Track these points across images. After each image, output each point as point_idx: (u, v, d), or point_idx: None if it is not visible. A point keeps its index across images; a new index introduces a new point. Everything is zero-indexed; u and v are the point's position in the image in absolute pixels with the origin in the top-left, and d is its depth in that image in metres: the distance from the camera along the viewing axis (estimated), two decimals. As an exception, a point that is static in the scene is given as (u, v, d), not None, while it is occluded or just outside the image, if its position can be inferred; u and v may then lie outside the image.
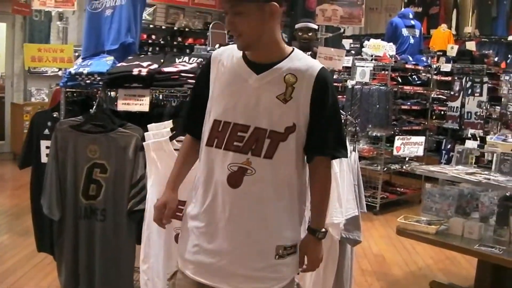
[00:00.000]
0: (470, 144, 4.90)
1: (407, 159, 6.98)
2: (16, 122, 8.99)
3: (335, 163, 3.06)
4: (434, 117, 8.44)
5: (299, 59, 2.16)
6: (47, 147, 3.53)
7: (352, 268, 3.58)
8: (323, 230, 2.27)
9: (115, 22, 3.92)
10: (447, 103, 8.40)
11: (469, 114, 8.20)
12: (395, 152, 6.51)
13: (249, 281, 2.18)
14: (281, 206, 2.18)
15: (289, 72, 2.11)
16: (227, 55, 2.20)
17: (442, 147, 8.32)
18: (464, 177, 4.22)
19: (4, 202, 6.90)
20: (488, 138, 4.98)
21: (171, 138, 3.05)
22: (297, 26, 4.88)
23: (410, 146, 6.42)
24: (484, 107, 7.58)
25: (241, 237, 2.17)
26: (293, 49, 2.21)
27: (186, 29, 10.90)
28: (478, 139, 4.95)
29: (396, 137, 6.51)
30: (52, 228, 3.40)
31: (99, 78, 3.31)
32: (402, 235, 4.47)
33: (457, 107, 8.27)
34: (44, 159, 3.56)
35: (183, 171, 2.40)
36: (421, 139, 6.63)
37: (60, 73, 9.14)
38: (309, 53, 5.62)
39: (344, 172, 3.12)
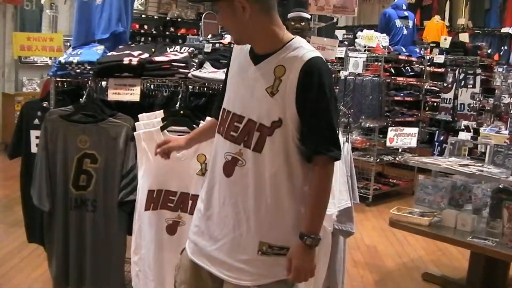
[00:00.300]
0: (464, 135, 4.89)
1: (400, 150, 6.96)
2: (7, 112, 8.91)
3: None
4: (427, 109, 8.43)
5: (293, 49, 2.05)
6: (37, 137, 3.48)
7: (345, 260, 3.57)
8: (313, 236, 2.07)
9: (106, 11, 3.88)
10: (440, 94, 8.40)
11: (462, 105, 8.20)
12: (388, 143, 6.49)
13: (232, 271, 2.17)
14: (265, 203, 2.10)
15: (279, 64, 2.04)
16: (242, 45, 2.20)
17: (435, 139, 8.32)
18: (457, 168, 4.21)
19: (-6, 192, 6.85)
20: (481, 130, 4.96)
21: (162, 128, 3.02)
22: (289, 15, 4.83)
23: (403, 137, 6.40)
24: (477, 99, 7.56)
25: (229, 226, 2.17)
26: (294, 38, 2.11)
27: (179, 19, 10.86)
28: (472, 130, 4.94)
29: (389, 128, 6.49)
30: (42, 219, 3.36)
31: (89, 67, 3.27)
32: (395, 227, 4.46)
33: (450, 98, 8.27)
34: (34, 149, 3.52)
35: (199, 137, 2.59)
36: (414, 130, 6.62)
37: (51, 61, 9.11)
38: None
39: (337, 164, 3.09)
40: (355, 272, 4.85)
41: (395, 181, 7.76)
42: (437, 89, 8.63)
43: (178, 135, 2.95)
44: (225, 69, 3.09)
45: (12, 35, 3.48)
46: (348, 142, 3.39)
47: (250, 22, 2.04)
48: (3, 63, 9.24)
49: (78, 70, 3.27)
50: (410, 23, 8.40)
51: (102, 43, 3.73)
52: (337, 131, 2.12)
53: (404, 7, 8.47)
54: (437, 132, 8.40)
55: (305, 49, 2.05)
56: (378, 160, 7.16)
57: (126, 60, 3.17)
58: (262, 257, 2.14)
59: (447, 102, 8.30)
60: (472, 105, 7.75)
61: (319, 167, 2.07)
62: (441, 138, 8.24)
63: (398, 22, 8.24)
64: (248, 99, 2.10)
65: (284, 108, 2.02)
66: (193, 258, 2.29)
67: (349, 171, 3.31)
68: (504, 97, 6.84)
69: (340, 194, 3.12)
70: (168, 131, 3.02)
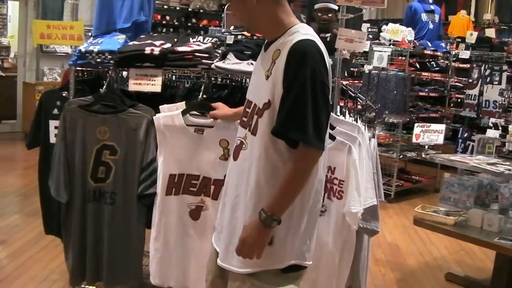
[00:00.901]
0: (492, 133, 4.75)
1: (426, 147, 6.81)
2: (27, 101, 8.92)
3: (354, 150, 2.94)
4: (451, 105, 8.26)
5: (291, 34, 2.04)
6: (56, 127, 3.42)
7: (369, 259, 3.46)
8: (270, 214, 1.98)
9: (128, 0, 3.80)
10: (465, 90, 8.23)
11: (487, 102, 8.02)
12: (414, 140, 6.34)
13: (225, 257, 2.18)
14: (251, 186, 2.08)
15: (277, 48, 2.05)
16: None
17: (459, 136, 8.15)
18: (485, 167, 4.08)
19: (14, 182, 6.84)
20: (510, 127, 4.82)
21: (183, 113, 2.95)
22: (316, 6, 4.72)
23: (430, 134, 6.26)
24: (506, 96, 7.38)
25: (228, 210, 2.19)
26: (297, 24, 2.09)
27: (201, 10, 10.78)
28: (500, 128, 4.79)
29: (416, 125, 6.34)
30: (59, 210, 3.30)
31: (110, 56, 3.19)
32: (419, 225, 4.35)
33: (475, 95, 8.09)
34: (52, 139, 3.46)
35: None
36: (442, 127, 6.46)
37: (71, 50, 9.09)
38: (329, 34, 5.46)
39: (363, 160, 2.99)
40: (377, 270, 4.75)
41: (417, 177, 7.64)
42: (461, 85, 8.45)
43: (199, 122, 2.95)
44: (249, 61, 3.04)
45: (32, 22, 3.41)
46: (374, 137, 3.29)
47: (258, 9, 2.07)
48: (24, 52, 9.24)
49: (98, 60, 3.20)
50: (436, 17, 8.23)
51: (123, 33, 3.65)
52: (308, 117, 1.94)
53: (431, 1, 8.31)
54: (460, 129, 8.24)
55: (300, 33, 2.03)
56: (401, 156, 7.04)
57: (148, 50, 3.09)
58: None
59: (472, 98, 8.12)
60: (499, 102, 7.55)
61: (298, 152, 1.99)
62: (465, 135, 8.07)
63: (424, 16, 8.08)
64: (255, 85, 2.15)
65: (273, 90, 2.00)
66: (214, 246, 2.32)
67: (375, 168, 3.20)
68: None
69: (366, 192, 3.01)
70: (191, 115, 2.97)
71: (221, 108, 2.81)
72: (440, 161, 4.50)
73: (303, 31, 2.04)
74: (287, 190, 2.01)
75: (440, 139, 6.39)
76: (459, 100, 8.51)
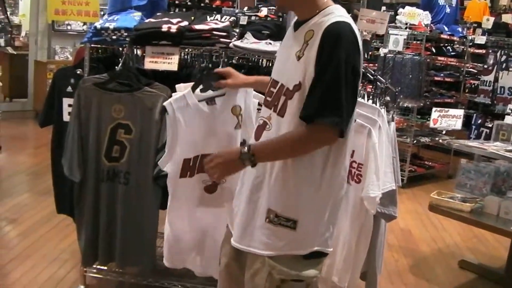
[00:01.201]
0: (510, 119, 4.67)
1: (443, 132, 6.71)
2: (39, 80, 8.87)
3: (374, 133, 2.88)
4: (466, 91, 8.17)
5: (325, 15, 1.95)
6: (70, 105, 3.38)
7: (384, 245, 3.42)
8: (251, 154, 1.97)
9: (144, -24, 3.74)
10: (480, 76, 8.12)
11: (502, 89, 7.91)
12: (431, 125, 6.25)
13: (247, 237, 2.10)
14: (278, 168, 2.01)
15: (310, 28, 1.96)
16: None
17: (472, 122, 8.06)
18: (504, 154, 4.00)
19: (25, 160, 6.81)
20: (529, 114, 4.74)
21: (193, 89, 2.82)
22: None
23: (447, 119, 6.17)
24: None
25: (249, 187, 2.12)
26: (332, 5, 2.01)
27: (216, -9, 10.64)
28: (519, 114, 4.72)
29: (434, 109, 6.24)
30: (72, 189, 3.26)
31: (125, 34, 3.13)
32: (434, 212, 4.30)
33: (490, 81, 7.98)
34: (66, 117, 3.42)
35: (254, 83, 2.60)
36: (460, 112, 6.37)
37: (85, 27, 9.03)
38: (349, 15, 5.36)
39: (383, 143, 2.93)
40: (389, 255, 4.70)
41: (430, 163, 7.57)
42: (476, 71, 8.35)
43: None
44: (267, 40, 2.96)
45: (47, -2, 3.35)
46: (393, 121, 3.22)
47: None
48: (36, 30, 9.18)
49: (114, 37, 3.13)
50: (453, 1, 8.10)
51: (139, 10, 3.58)
52: (343, 101, 1.88)
53: (448, -15, 8.18)
54: (474, 115, 8.15)
55: (335, 14, 1.94)
56: (414, 141, 6.96)
57: (164, 28, 3.02)
58: (268, 225, 2.04)
59: (487, 84, 8.02)
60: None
61: (311, 127, 1.91)
62: (479, 122, 7.98)
63: (441, 0, 7.95)
64: (283, 65, 2.07)
65: (305, 71, 1.93)
66: (229, 226, 2.29)
67: (394, 152, 3.14)
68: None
69: (385, 176, 2.96)
70: (201, 90, 2.83)
71: (234, 77, 2.62)
72: (457, 147, 4.43)
73: (338, 13, 1.96)
74: (282, 149, 1.98)
75: (458, 124, 6.30)
76: (473, 86, 8.42)
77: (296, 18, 2.13)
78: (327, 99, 1.88)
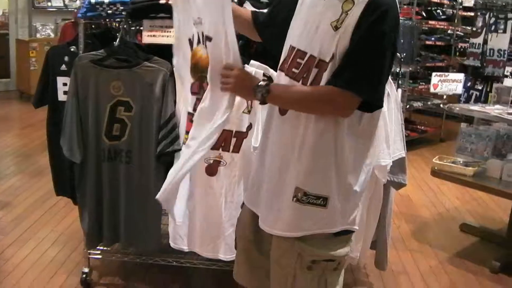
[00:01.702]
0: (509, 82, 4.63)
1: (445, 97, 6.65)
2: (21, 59, 8.67)
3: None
4: (457, 54, 8.13)
5: None
6: (64, 84, 3.26)
7: (392, 213, 3.38)
8: (267, 89, 1.91)
9: None
10: (469, 39, 8.08)
11: (491, 51, 7.89)
12: (432, 90, 6.19)
13: (268, 218, 2.05)
14: (308, 144, 1.92)
15: None
16: None
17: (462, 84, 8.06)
18: (509, 117, 3.97)
19: (12, 142, 6.66)
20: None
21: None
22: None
23: (448, 84, 6.12)
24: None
25: (274, 165, 2.03)
26: None
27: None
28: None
29: (433, 74, 6.17)
30: (72, 171, 3.17)
31: (122, 7, 3.00)
32: (437, 177, 4.27)
33: (479, 43, 7.95)
34: (61, 97, 3.30)
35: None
36: (460, 76, 6.32)
37: (67, 2, 8.82)
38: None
39: (392, 111, 2.88)
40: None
41: (423, 127, 7.55)
42: (462, 34, 8.29)
43: None
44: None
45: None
46: (400, 88, 3.15)
47: None
48: (15, 8, 8.95)
49: (109, 11, 3.01)
50: (442, -37, 8.00)
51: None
52: (381, 78, 1.84)
53: None
54: (464, 77, 8.12)
55: None
56: (407, 106, 6.92)
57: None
58: (296, 204, 1.95)
59: (476, 47, 7.98)
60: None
61: (342, 92, 1.81)
62: (468, 84, 7.96)
63: (429, -38, 7.86)
64: (313, 34, 1.91)
65: (341, 42, 1.83)
66: (248, 205, 2.19)
67: (402, 119, 3.08)
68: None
69: (395, 144, 2.91)
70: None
71: None
72: (458, 111, 4.39)
73: None
74: (301, 100, 1.91)
75: (459, 88, 6.25)
76: (462, 49, 8.38)
77: None
78: (365, 72, 1.81)
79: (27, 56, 8.35)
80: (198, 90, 2.29)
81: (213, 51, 2.11)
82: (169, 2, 2.85)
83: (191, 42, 2.35)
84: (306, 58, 1.92)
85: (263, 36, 2.28)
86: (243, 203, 2.28)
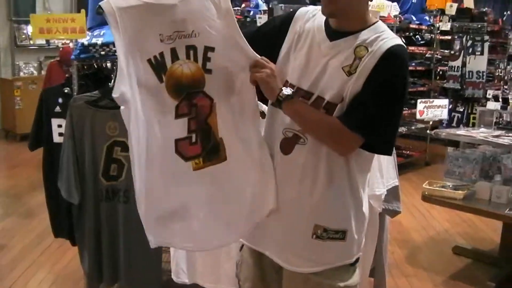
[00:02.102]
0: (492, 105, 4.74)
1: (430, 122, 6.76)
2: (6, 98, 8.65)
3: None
4: (437, 78, 8.29)
5: (379, 32, 1.90)
6: (59, 126, 3.30)
7: (388, 239, 3.44)
8: (290, 96, 1.91)
9: (123, -11, 3.64)
10: (447, 62, 8.25)
11: (470, 73, 8.06)
12: (418, 116, 6.32)
13: (286, 256, 2.04)
14: (322, 182, 1.95)
15: (362, 44, 1.88)
16: (312, 17, 2.03)
17: (443, 108, 8.21)
18: (493, 140, 4.08)
19: (1, 183, 6.63)
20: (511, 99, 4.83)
21: None
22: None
23: (433, 110, 6.24)
24: (502, 67, 7.43)
25: (284, 206, 2.03)
26: (377, 21, 1.97)
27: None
28: (501, 100, 4.79)
29: (419, 101, 6.31)
30: (69, 211, 3.18)
31: (114, 48, 3.05)
32: (428, 202, 4.34)
33: (458, 66, 8.13)
34: (56, 138, 3.33)
35: None
36: (445, 101, 6.46)
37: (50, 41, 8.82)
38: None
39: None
40: (384, 249, 4.73)
41: (408, 152, 7.65)
42: (440, 57, 8.47)
43: None
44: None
45: (30, 17, 3.23)
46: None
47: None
48: (-3, 47, 8.98)
49: (103, 52, 3.07)
50: (419, -10, 8.21)
51: (120, 23, 3.51)
52: (393, 126, 1.92)
53: (412, -26, 8.28)
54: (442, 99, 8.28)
55: (390, 34, 1.91)
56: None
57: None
58: (316, 241, 1.98)
59: (455, 70, 8.16)
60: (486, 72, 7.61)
61: (352, 134, 1.86)
62: (450, 107, 8.12)
63: (407, -11, 8.06)
64: (319, 76, 1.94)
65: (352, 87, 1.87)
66: (252, 246, 2.17)
67: (394, 148, 3.15)
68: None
69: (388, 173, 2.98)
70: None
71: None
72: (445, 136, 4.48)
73: (390, 33, 1.92)
74: (313, 123, 1.94)
75: (444, 114, 6.38)
76: (441, 72, 8.55)
77: (315, 20, 2.03)
78: (377, 119, 1.87)
79: (11, 95, 8.34)
80: (188, 110, 2.03)
81: (220, 61, 2.00)
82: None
83: (153, 63, 1.98)
84: (313, 99, 1.94)
85: None
86: (242, 246, 2.26)
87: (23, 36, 9.03)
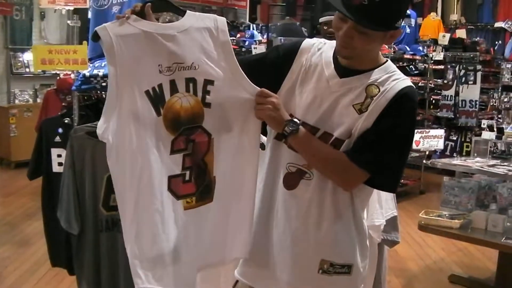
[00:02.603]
0: (487, 135, 4.80)
1: (427, 152, 6.81)
2: (1, 125, 8.63)
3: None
4: (431, 107, 8.38)
5: (389, 72, 1.94)
6: (59, 155, 3.32)
7: (386, 269, 3.45)
8: (297, 127, 1.91)
9: (123, 19, 3.70)
10: (440, 91, 8.35)
11: (463, 102, 8.17)
12: (414, 146, 6.37)
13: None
14: (328, 218, 1.98)
15: (373, 83, 1.91)
16: (318, 50, 2.05)
17: (437, 137, 8.28)
18: (490, 170, 4.12)
19: (-4, 210, 6.60)
20: (506, 129, 4.89)
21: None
22: (322, 19, 4.65)
23: (429, 140, 6.30)
24: (496, 97, 7.53)
25: (287, 242, 2.04)
26: (387, 60, 2.00)
27: (171, 25, 10.66)
28: (495, 130, 4.85)
29: (415, 131, 6.36)
30: (68, 241, 3.18)
31: (115, 80, 3.10)
32: (425, 231, 4.37)
33: (451, 95, 8.24)
34: (55, 168, 3.34)
35: None
36: (440, 132, 6.53)
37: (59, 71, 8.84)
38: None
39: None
40: (381, 278, 4.73)
41: (402, 181, 7.67)
42: (433, 85, 8.57)
43: None
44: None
45: (32, 48, 3.31)
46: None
47: (376, 46, 1.96)
48: (-6, 75, 9.01)
49: (104, 83, 3.10)
50: (413, 22, 8.36)
51: (120, 54, 3.55)
52: (400, 164, 1.96)
53: (406, 5, 8.39)
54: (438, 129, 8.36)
55: (400, 75, 1.96)
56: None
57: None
58: (323, 276, 2.00)
59: (448, 99, 8.27)
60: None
61: (359, 171, 1.90)
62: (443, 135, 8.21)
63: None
64: (328, 112, 1.96)
65: (362, 124, 1.90)
66: (243, 280, 2.17)
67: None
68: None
69: (386, 203, 3.00)
70: None
71: None
72: (441, 166, 4.53)
73: (400, 73, 1.97)
74: (321, 157, 1.95)
75: (440, 144, 6.44)
76: (434, 101, 8.65)
77: (322, 55, 2.03)
78: (385, 158, 1.91)
79: (7, 123, 8.34)
80: (185, 146, 1.95)
81: (219, 94, 1.96)
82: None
83: (151, 95, 1.90)
84: (319, 134, 1.96)
85: None
86: (236, 282, 2.25)
87: (19, 64, 9.06)
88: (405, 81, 1.93)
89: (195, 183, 1.99)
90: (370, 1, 1.76)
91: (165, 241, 1.98)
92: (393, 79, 1.91)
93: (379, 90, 1.89)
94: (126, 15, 1.86)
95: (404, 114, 1.90)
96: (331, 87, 1.96)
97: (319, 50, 2.04)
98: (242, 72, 1.96)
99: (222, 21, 1.99)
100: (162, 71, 1.90)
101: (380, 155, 1.89)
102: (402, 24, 1.94)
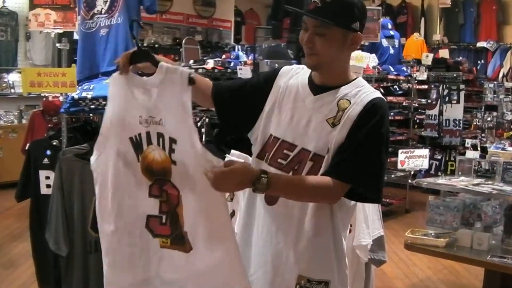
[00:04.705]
0: (471, 154, 4.85)
1: (412, 172, 6.87)
2: (-14, 147, 8.61)
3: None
4: (415, 126, 8.46)
5: (359, 86, 2.04)
6: (47, 177, 3.33)
7: (373, 289, 3.47)
8: (267, 181, 1.83)
9: (111, 42, 3.74)
10: (424, 111, 8.44)
11: (447, 121, 8.25)
12: (399, 166, 6.43)
13: None
14: (307, 234, 2.02)
15: (344, 97, 2.00)
16: (296, 74, 2.15)
17: (420, 156, 8.35)
18: (474, 189, 4.16)
19: (-20, 232, 6.54)
20: (490, 147, 4.95)
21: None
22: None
23: (414, 160, 6.36)
24: (479, 116, 7.62)
25: (267, 257, 2.09)
26: (357, 77, 2.10)
27: (156, 45, 10.71)
28: (479, 149, 4.90)
29: (400, 151, 6.43)
30: (56, 263, 3.19)
31: (104, 102, 3.12)
32: (411, 250, 4.37)
33: (435, 115, 8.32)
34: (43, 190, 3.35)
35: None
36: (425, 151, 6.59)
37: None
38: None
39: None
40: (368, 297, 4.75)
41: (388, 200, 7.72)
42: (416, 105, 8.66)
43: None
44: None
45: (21, 70, 3.30)
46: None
47: (343, 53, 2.03)
48: (-22, 96, 8.98)
49: (92, 106, 3.13)
50: (396, 42, 8.46)
51: (108, 76, 3.58)
52: (381, 173, 2.00)
53: (390, 27, 8.55)
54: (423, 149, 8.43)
55: (370, 88, 2.06)
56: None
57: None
58: None
59: (432, 118, 8.35)
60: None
61: (340, 184, 1.93)
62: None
63: (384, 42, 8.28)
64: (304, 129, 2.03)
65: (337, 138, 1.97)
66: None
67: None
68: (507, 113, 6.87)
69: (373, 223, 3.04)
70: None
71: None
72: (427, 185, 4.56)
73: (370, 87, 2.06)
74: (303, 190, 1.95)
75: (425, 164, 6.50)
76: (418, 120, 8.73)
77: (298, 76, 2.12)
78: (366, 168, 1.94)
79: (-8, 144, 8.31)
80: (159, 193, 2.02)
81: (182, 154, 1.96)
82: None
83: (134, 142, 2.04)
84: (296, 151, 2.02)
85: (222, 114, 2.24)
86: None
87: (4, 85, 9.04)
88: (375, 93, 2.02)
89: (170, 228, 2.06)
90: (322, 2, 1.93)
91: (140, 272, 2.12)
92: (363, 92, 2.00)
93: (350, 103, 1.98)
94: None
95: (375, 122, 1.96)
96: (306, 105, 2.05)
97: (297, 73, 2.14)
98: (198, 139, 1.96)
99: (185, 75, 1.97)
100: (141, 122, 2.02)
101: (360, 165, 1.94)
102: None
